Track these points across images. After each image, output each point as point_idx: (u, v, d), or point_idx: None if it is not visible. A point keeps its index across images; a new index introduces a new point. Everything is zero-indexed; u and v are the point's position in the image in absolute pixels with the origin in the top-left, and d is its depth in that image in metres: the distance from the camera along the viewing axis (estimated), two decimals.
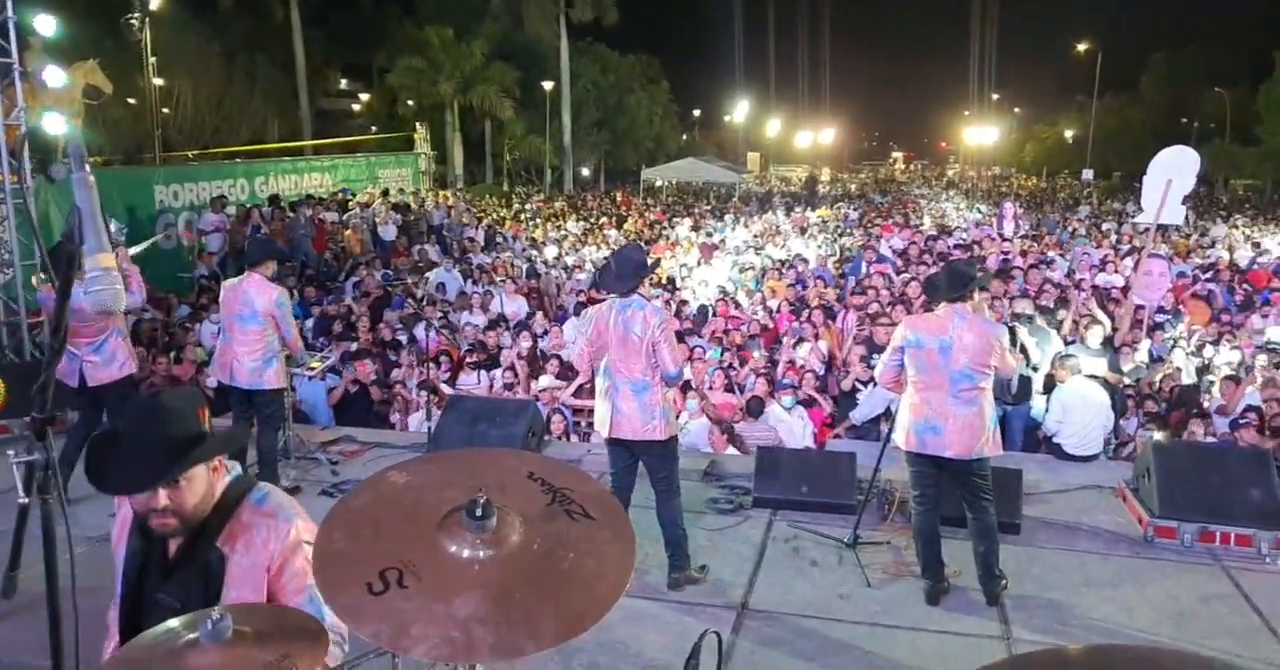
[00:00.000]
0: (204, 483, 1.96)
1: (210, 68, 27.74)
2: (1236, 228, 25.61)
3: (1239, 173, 51.42)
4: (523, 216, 23.40)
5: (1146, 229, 9.84)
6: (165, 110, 25.83)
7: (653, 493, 4.82)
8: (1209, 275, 14.58)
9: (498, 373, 8.89)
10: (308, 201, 16.50)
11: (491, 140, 35.86)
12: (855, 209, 28.36)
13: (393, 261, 15.02)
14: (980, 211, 29.18)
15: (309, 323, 10.36)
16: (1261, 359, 9.78)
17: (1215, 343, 10.42)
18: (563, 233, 19.85)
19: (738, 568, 5.05)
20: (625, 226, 21.25)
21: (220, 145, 26.56)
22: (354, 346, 9.35)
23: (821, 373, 9.03)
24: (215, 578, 1.91)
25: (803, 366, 8.99)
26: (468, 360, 9.11)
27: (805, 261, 15.40)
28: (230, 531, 1.98)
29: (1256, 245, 20.69)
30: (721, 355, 9.47)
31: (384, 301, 11.74)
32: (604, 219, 22.79)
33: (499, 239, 18.46)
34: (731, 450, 7.25)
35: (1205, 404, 8.48)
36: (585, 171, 40.79)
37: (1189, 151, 10.00)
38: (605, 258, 4.69)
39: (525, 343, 9.69)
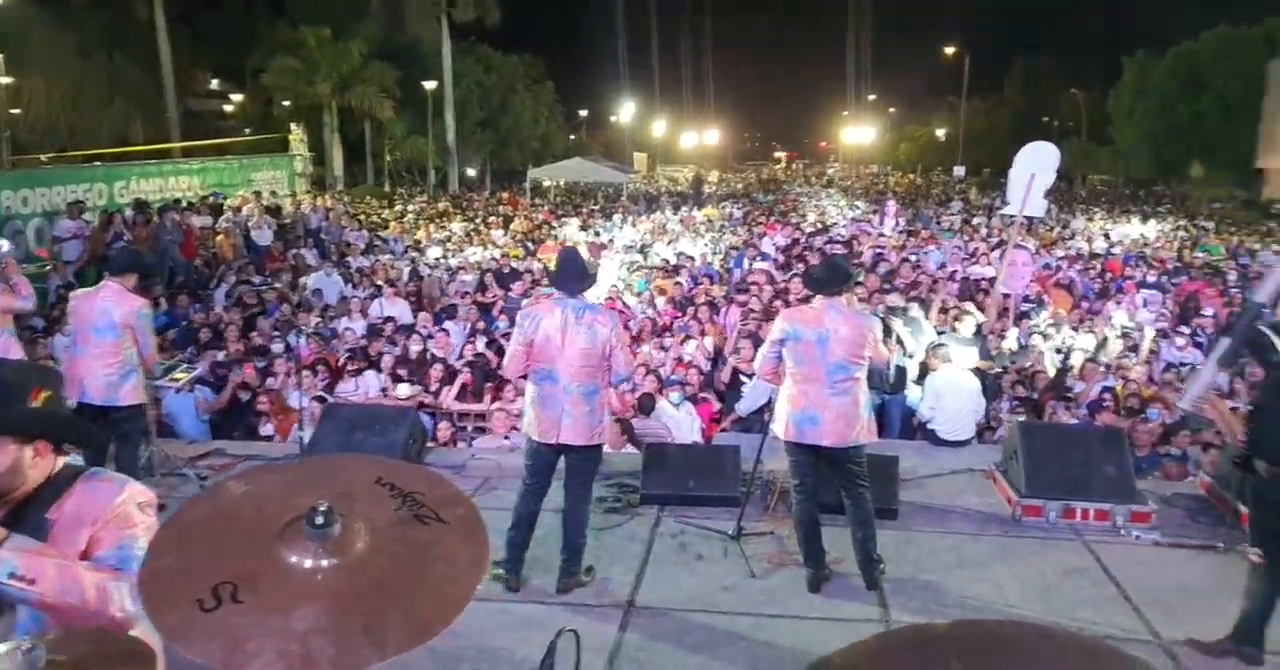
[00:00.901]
0: (8, 456, 1.92)
1: (64, 65, 26.18)
2: (1094, 221, 27.14)
3: (1095, 169, 54.61)
4: (406, 218, 22.90)
5: (1012, 221, 10.26)
6: (15, 110, 24.27)
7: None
8: (1078, 266, 15.43)
9: (373, 378, 8.64)
10: (175, 206, 15.74)
11: (372, 141, 35.03)
12: (740, 208, 28.84)
13: (267, 267, 14.46)
14: (858, 208, 30.10)
15: (171, 333, 9.88)
16: (1116, 344, 10.39)
17: (1076, 329, 11.02)
18: (446, 234, 19.52)
19: (625, 566, 5.05)
20: (512, 227, 21.03)
21: (79, 147, 25.11)
22: (221, 355, 8.95)
23: (708, 369, 9.14)
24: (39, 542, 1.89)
25: (690, 363, 9.09)
26: (348, 368, 8.85)
27: (692, 260, 15.58)
28: (60, 503, 1.99)
29: (1106, 236, 21.98)
30: None
31: (258, 309, 11.29)
32: (490, 219, 22.51)
33: (379, 242, 17.99)
34: (628, 449, 7.25)
35: (1070, 387, 8.93)
36: (471, 172, 40.27)
37: (1050, 147, 10.36)
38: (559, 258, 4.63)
39: (415, 346, 9.49)
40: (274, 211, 17.64)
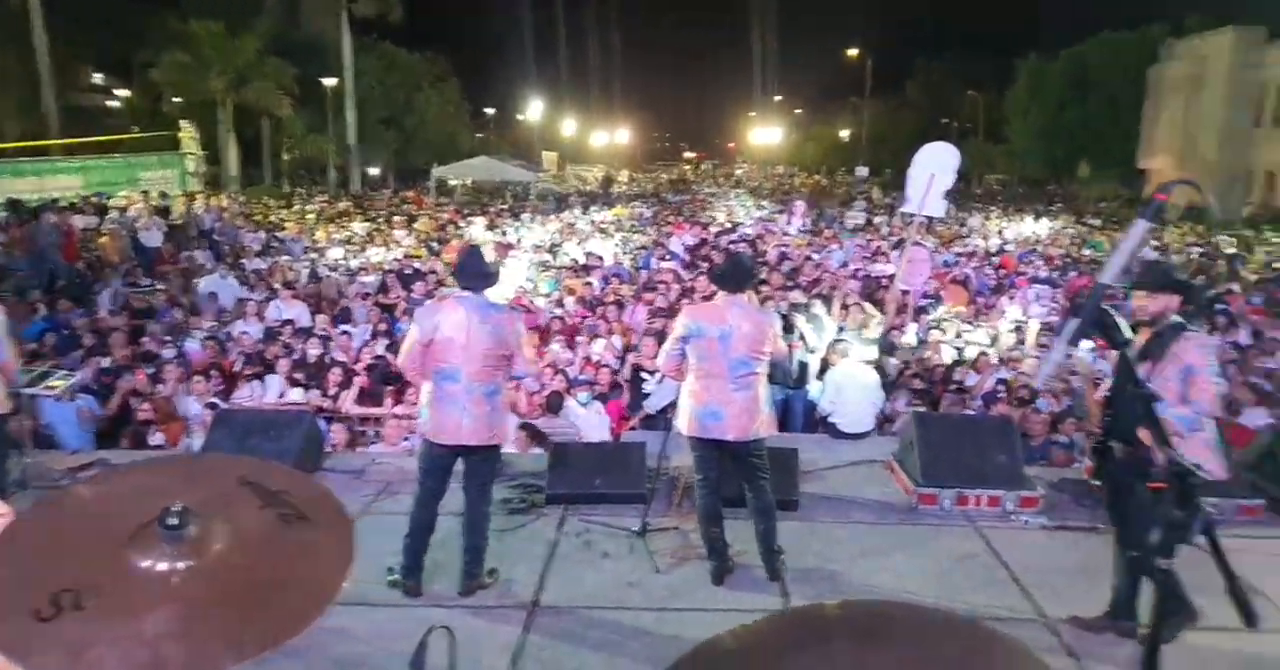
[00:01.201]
0: None
1: None
2: (990, 219, 28.14)
3: (991, 169, 56.67)
4: (307, 218, 22.30)
5: (912, 220, 10.50)
6: None
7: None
8: (974, 263, 15.97)
9: (272, 383, 8.38)
10: (54, 206, 14.97)
11: (270, 139, 33.99)
12: (649, 208, 28.99)
13: (157, 269, 13.88)
14: (764, 208, 30.58)
15: (51, 339, 9.38)
16: (1008, 337, 10.79)
17: (971, 323, 11.40)
18: (347, 234, 19.08)
19: (529, 566, 4.99)
20: (416, 226, 20.66)
21: None
22: (107, 362, 8.55)
23: (617, 367, 9.14)
24: None
25: (598, 362, 9.07)
26: (244, 372, 8.56)
27: (601, 260, 15.58)
28: None
29: (1001, 234, 22.82)
30: None
31: (147, 313, 10.83)
32: (394, 219, 22.08)
33: (276, 243, 17.46)
34: (535, 450, 7.18)
35: (962, 380, 9.22)
36: (374, 171, 39.47)
37: (949, 147, 10.55)
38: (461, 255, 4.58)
39: (314, 349, 9.24)
40: (164, 212, 16.97)
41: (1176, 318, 3.96)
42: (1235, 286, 14.88)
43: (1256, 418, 7.87)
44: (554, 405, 7.63)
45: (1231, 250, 21.15)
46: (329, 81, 32.69)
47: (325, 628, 4.43)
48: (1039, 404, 8.31)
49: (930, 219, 15.59)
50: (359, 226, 20.57)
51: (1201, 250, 20.82)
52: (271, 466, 1.57)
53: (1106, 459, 4.06)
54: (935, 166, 9.95)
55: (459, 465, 4.64)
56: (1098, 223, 28.03)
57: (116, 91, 37.69)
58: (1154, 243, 21.99)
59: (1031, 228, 25.82)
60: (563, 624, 4.40)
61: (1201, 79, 39.85)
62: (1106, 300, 1.73)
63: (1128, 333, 1.75)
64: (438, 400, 4.50)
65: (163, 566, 1.31)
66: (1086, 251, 20.01)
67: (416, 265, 14.24)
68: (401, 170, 41.64)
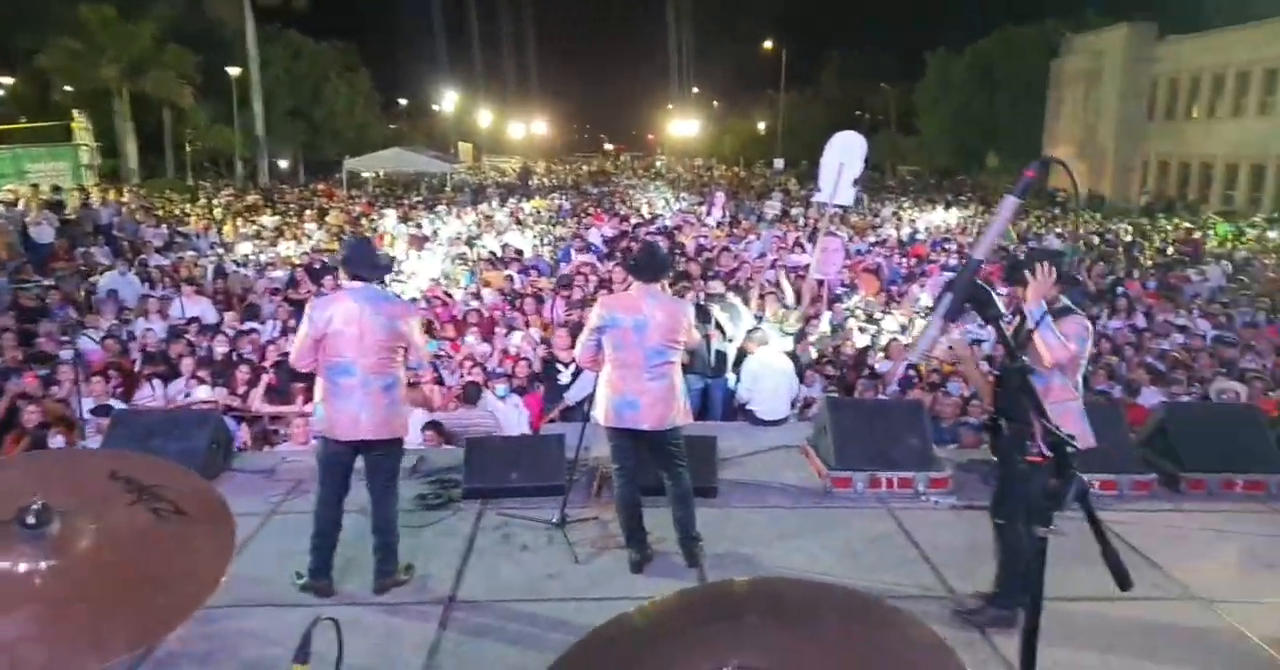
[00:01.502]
0: None
1: None
2: (902, 209, 28.79)
3: (903, 160, 57.97)
4: (215, 212, 21.57)
5: (826, 210, 10.66)
6: None
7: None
8: (885, 252, 16.31)
9: (179, 383, 8.09)
10: None
11: (172, 131, 32.71)
12: (569, 200, 28.85)
13: (50, 267, 13.25)
14: (684, 200, 30.72)
15: None
16: (920, 323, 11.04)
17: (884, 311, 11.65)
18: (256, 229, 18.52)
19: (446, 562, 4.92)
20: (328, 220, 20.18)
21: None
22: None
23: (535, 360, 9.06)
24: None
25: (517, 354, 8.99)
26: (145, 372, 8.24)
27: (520, 252, 15.45)
28: None
29: (913, 223, 23.38)
30: (436, 347, 9.29)
31: (39, 312, 10.33)
32: (305, 213, 21.52)
33: (180, 238, 16.83)
34: (448, 446, 7.08)
35: (875, 366, 9.42)
36: (283, 163, 38.39)
37: (857, 136, 10.73)
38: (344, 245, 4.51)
39: (221, 347, 8.95)
40: (56, 206, 16.19)
41: (1065, 301, 4.13)
42: (1135, 272, 15.55)
43: (1151, 397, 8.22)
44: (471, 395, 7.51)
45: (1129, 238, 22.06)
46: (233, 71, 31.58)
47: (236, 630, 4.33)
48: (950, 387, 8.55)
49: (844, 209, 15.94)
50: (268, 220, 19.99)
51: (1101, 238, 21.67)
52: (145, 460, 1.50)
53: (997, 435, 4.20)
54: (844, 156, 10.13)
55: (361, 462, 4.54)
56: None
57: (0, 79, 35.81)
58: (1057, 231, 22.86)
59: (942, 217, 26.50)
60: (480, 618, 4.35)
61: (1099, 73, 41.44)
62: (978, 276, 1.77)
63: (1002, 307, 1.79)
64: (333, 395, 4.38)
65: (23, 567, 1.23)
66: None
67: (326, 259, 13.89)
68: (312, 162, 40.60)
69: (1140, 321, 11.62)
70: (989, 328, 1.76)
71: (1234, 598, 4.55)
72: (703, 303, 8.72)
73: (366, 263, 4.50)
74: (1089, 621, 4.27)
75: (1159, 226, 25.52)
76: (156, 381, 8.00)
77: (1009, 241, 20.39)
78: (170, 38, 29.90)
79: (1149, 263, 17.59)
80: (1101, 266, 15.97)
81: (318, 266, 12.89)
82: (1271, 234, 24.35)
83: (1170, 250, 20.08)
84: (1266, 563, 5.00)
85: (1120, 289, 13.19)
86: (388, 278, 13.68)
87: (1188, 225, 26.00)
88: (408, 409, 4.63)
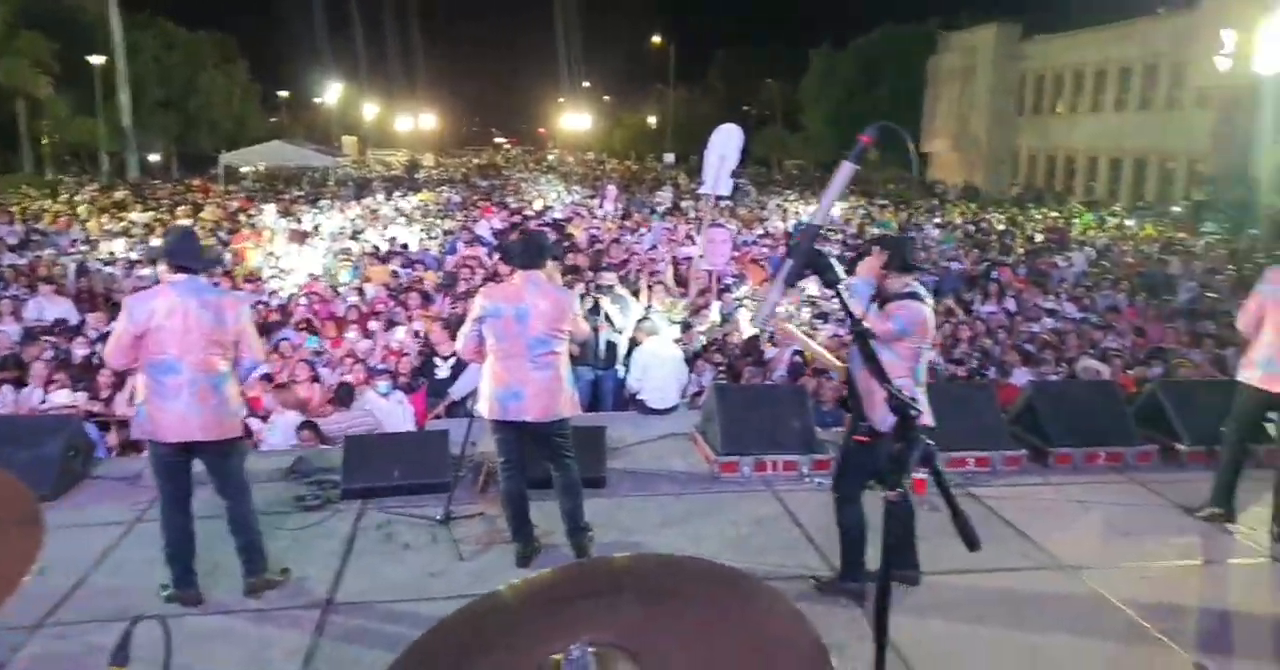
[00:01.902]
0: None
1: None
2: (789, 201, 29.36)
3: (789, 154, 59.13)
4: (79, 209, 20.34)
5: (713, 202, 10.77)
6: None
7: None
8: (771, 243, 16.59)
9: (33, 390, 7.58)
10: None
11: (28, 123, 30.72)
12: (458, 193, 28.39)
13: None
14: (576, 193, 30.63)
15: None
16: (805, 311, 11.27)
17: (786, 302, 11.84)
18: (124, 225, 17.58)
19: (324, 564, 4.75)
20: (203, 215, 19.31)
21: None
22: None
23: (418, 356, 8.86)
24: None
25: (400, 351, 8.77)
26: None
27: (405, 246, 15.10)
28: None
29: (798, 215, 23.89)
30: (317, 344, 9.00)
31: None
32: (178, 208, 20.53)
33: (37, 236, 15.81)
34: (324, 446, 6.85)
35: (764, 353, 9.55)
36: (154, 157, 36.55)
37: (735, 129, 10.90)
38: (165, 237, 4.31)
39: (81, 349, 8.44)
40: None
41: (916, 288, 4.20)
42: (1008, 259, 16.25)
43: (1022, 377, 8.58)
44: (343, 396, 7.25)
45: (1002, 227, 23.05)
46: (96, 59, 29.84)
47: (96, 646, 4.06)
48: (832, 373, 8.74)
49: (732, 202, 16.17)
50: (138, 216, 18.99)
51: (975, 227, 22.58)
52: None
53: (851, 410, 4.32)
54: (724, 149, 10.25)
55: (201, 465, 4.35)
56: (886, 203, 29.78)
57: None
58: (936, 221, 23.73)
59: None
60: (359, 621, 4.21)
61: (972, 69, 43.16)
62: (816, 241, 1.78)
63: (841, 273, 1.81)
64: (157, 395, 4.13)
65: None
66: (875, 229, 21.23)
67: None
68: (187, 157, 38.79)
69: (1012, 306, 12.13)
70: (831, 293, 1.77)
71: (1096, 564, 4.79)
72: (593, 294, 8.68)
73: (190, 254, 4.28)
74: (962, 593, 4.42)
75: (1029, 216, 26.73)
76: (7, 387, 7.49)
77: (890, 230, 21.07)
78: (23, 23, 28.02)
79: (1020, 250, 18.40)
80: (976, 254, 16.64)
81: None
82: (1129, 223, 25.84)
83: (1039, 238, 21.06)
84: (1124, 531, 5.28)
85: (993, 275, 13.76)
86: (269, 272, 13.26)
87: (1054, 215, 27.34)
88: (241, 407, 4.43)
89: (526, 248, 4.78)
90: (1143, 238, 22.18)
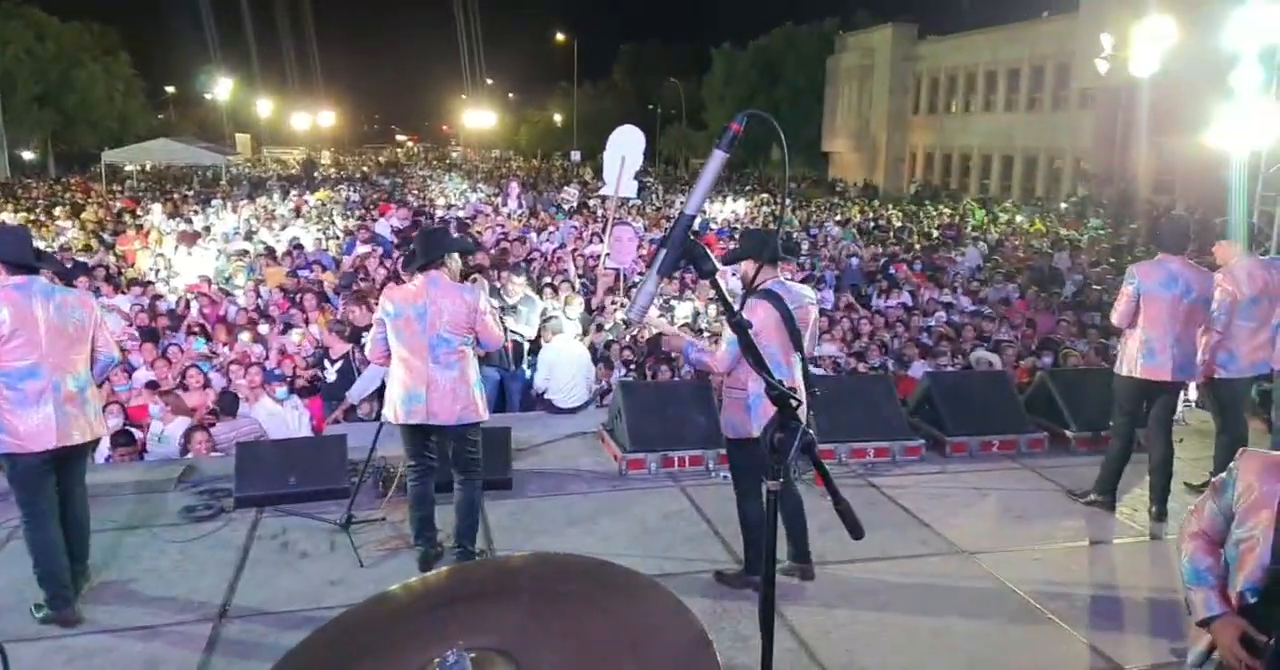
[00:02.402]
0: None
1: None
2: None
3: (695, 153, 59.63)
4: None
5: (621, 201, 10.75)
6: None
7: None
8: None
9: None
10: None
11: None
12: (357, 192, 27.72)
13: None
14: (481, 191, 30.25)
15: None
16: (713, 309, 11.36)
17: (679, 297, 11.88)
18: None
19: (218, 575, 4.56)
20: (84, 216, 18.37)
21: None
22: None
23: (315, 359, 8.59)
24: None
25: (297, 354, 8.49)
26: None
27: (302, 247, 14.63)
28: None
29: (704, 213, 24.11)
30: (203, 347, 8.64)
31: None
32: (56, 209, 19.49)
33: None
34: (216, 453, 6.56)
35: (671, 353, 9.58)
36: (28, 155, 34.62)
37: (635, 130, 10.86)
38: None
39: None
40: None
41: (772, 286, 4.25)
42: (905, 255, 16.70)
43: (920, 369, 8.82)
44: (227, 405, 6.94)
45: (899, 223, 23.71)
46: None
47: None
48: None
49: (640, 200, 16.16)
50: (9, 217, 17.96)
51: (874, 224, 23.16)
52: None
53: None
54: (625, 149, 10.21)
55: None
56: (789, 201, 30.34)
57: None
58: (837, 218, 24.25)
59: (731, 207, 27.47)
60: (254, 633, 4.05)
61: (870, 69, 44.28)
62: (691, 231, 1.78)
63: (716, 262, 1.80)
64: (17, 405, 3.91)
65: None
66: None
67: (81, 258, 12.64)
68: (65, 155, 36.89)
69: (908, 300, 12.47)
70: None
71: (992, 549, 4.94)
72: (501, 293, 8.56)
73: (24, 253, 4.04)
74: (865, 582, 4.50)
75: (925, 212, 27.57)
76: None
77: (790, 227, 21.44)
78: None
79: (917, 246, 18.95)
80: (874, 250, 17.07)
81: (69, 266, 11.68)
82: (1019, 218, 26.89)
83: (935, 234, 21.73)
84: (1018, 515, 5.46)
85: (890, 270, 14.12)
86: (154, 274, 12.68)
87: (948, 211, 28.27)
88: (100, 407, 4.30)
89: (427, 246, 4.65)
90: (1032, 233, 23.11)
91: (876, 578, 4.55)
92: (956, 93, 40.03)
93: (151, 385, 7.35)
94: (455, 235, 7.81)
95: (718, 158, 1.78)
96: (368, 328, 7.33)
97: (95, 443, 4.26)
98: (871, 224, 23.13)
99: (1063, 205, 29.22)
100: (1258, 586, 2.20)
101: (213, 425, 6.62)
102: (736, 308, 1.83)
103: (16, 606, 4.16)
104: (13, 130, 31.57)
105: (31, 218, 17.91)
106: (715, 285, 1.72)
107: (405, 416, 4.52)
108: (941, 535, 5.11)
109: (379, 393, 7.14)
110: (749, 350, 1.74)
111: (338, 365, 7.50)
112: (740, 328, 1.75)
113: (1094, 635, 4.06)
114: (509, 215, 20.21)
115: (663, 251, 1.75)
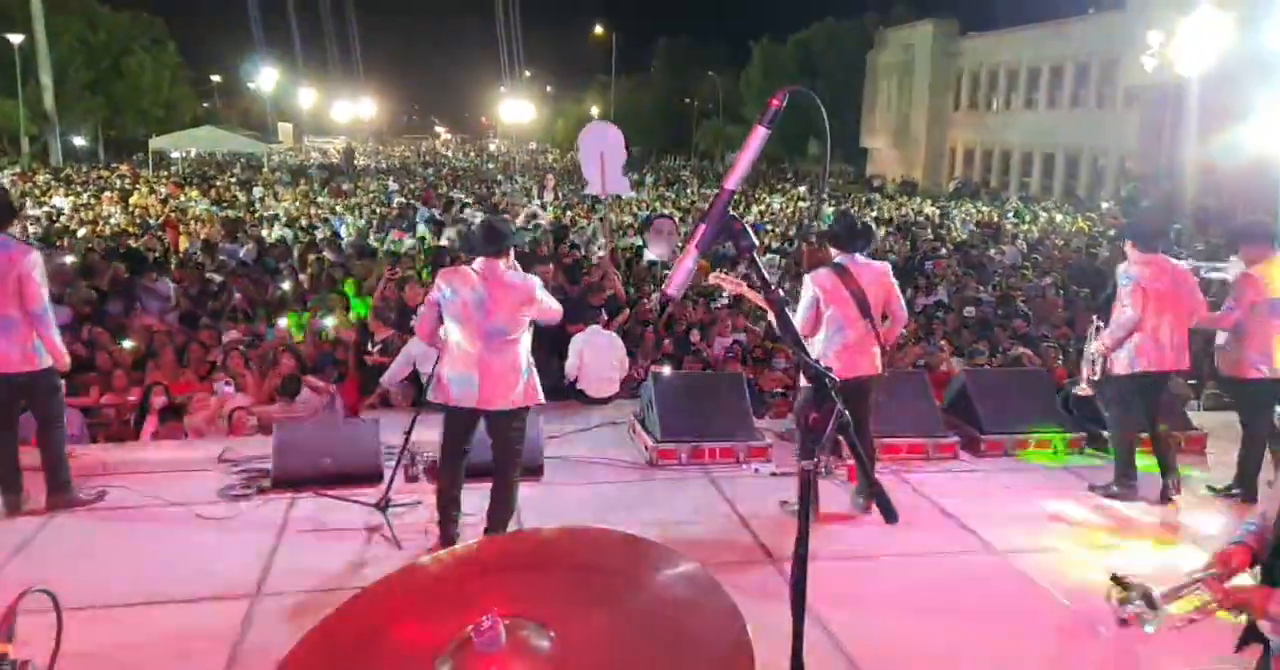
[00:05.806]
0: None
1: None
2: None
3: (731, 147, 59.38)
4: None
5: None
6: None
7: None
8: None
9: None
10: None
11: None
12: (395, 181, 28.00)
13: None
14: (516, 181, 30.44)
15: None
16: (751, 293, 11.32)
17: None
18: (47, 211, 16.99)
19: (254, 554, 4.64)
20: (132, 201, 18.74)
21: None
22: None
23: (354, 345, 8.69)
24: None
25: (335, 339, 8.60)
26: None
27: (337, 234, 14.84)
28: None
29: (740, 206, 24.03)
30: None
31: None
32: (105, 194, 19.89)
33: None
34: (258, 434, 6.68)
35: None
36: (80, 141, 35.31)
37: (611, 126, 10.60)
38: None
39: None
40: None
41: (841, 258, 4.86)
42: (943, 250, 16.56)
43: (956, 366, 8.73)
44: (290, 390, 7.08)
45: (937, 220, 23.47)
46: (15, 38, 28.64)
47: None
48: (775, 362, 8.83)
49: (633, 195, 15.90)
50: (61, 202, 18.35)
51: (911, 220, 22.97)
52: None
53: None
54: (601, 146, 9.97)
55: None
56: (826, 197, 30.11)
57: None
58: (873, 214, 24.06)
59: (767, 202, 27.38)
60: (288, 611, 4.12)
61: (910, 66, 43.83)
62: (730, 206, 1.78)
63: (754, 238, 1.80)
64: None
65: None
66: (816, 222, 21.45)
67: (131, 243, 12.91)
68: (115, 141, 37.56)
69: (944, 296, 12.35)
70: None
71: (1024, 548, 4.89)
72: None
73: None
74: (894, 577, 4.48)
75: (963, 209, 27.27)
76: None
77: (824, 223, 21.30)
78: None
79: (954, 242, 18.76)
80: (906, 247, 16.94)
81: (122, 251, 11.92)
82: (1058, 217, 26.51)
83: (974, 230, 21.50)
84: (1051, 515, 5.40)
85: (927, 265, 14.00)
86: (195, 258, 12.89)
87: (987, 209, 27.95)
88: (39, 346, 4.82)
89: (487, 234, 4.66)
90: (1074, 231, 22.78)
91: (905, 573, 4.53)
92: (998, 89, 39.52)
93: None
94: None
95: (759, 134, 1.78)
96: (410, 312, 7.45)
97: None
98: (908, 221, 22.92)
99: (1103, 205, 28.75)
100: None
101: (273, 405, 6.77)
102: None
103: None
104: (65, 117, 32.23)
105: (81, 202, 18.28)
106: (753, 262, 1.72)
107: (448, 397, 4.57)
108: (974, 532, 5.07)
109: (411, 379, 7.24)
110: (785, 328, 1.74)
111: (377, 349, 7.61)
112: (777, 304, 1.75)
113: (1129, 635, 4.00)
114: (544, 207, 20.32)
115: (701, 227, 1.75)
